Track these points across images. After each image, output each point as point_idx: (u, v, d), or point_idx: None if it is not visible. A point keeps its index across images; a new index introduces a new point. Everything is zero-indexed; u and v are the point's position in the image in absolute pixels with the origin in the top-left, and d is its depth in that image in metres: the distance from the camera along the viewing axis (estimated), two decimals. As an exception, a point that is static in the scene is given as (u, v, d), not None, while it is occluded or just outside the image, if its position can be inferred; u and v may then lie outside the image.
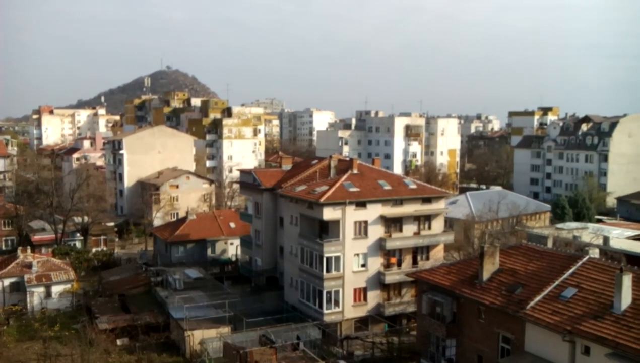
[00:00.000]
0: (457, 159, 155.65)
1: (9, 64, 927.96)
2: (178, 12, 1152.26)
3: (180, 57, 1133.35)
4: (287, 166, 70.39)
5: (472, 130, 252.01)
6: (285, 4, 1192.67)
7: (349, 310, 54.43)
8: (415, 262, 57.60)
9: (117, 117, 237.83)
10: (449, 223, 70.67)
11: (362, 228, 55.06)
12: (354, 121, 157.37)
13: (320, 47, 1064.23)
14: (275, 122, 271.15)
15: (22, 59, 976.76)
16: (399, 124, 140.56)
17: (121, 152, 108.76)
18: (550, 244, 46.19)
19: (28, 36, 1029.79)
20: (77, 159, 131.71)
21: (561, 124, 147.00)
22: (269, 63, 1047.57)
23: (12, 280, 62.47)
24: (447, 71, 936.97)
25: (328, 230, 55.20)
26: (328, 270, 53.10)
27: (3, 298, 61.46)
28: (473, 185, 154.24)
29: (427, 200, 58.74)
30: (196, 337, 49.25)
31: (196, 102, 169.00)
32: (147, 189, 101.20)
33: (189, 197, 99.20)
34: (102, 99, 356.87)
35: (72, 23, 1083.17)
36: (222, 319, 51.82)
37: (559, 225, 74.19)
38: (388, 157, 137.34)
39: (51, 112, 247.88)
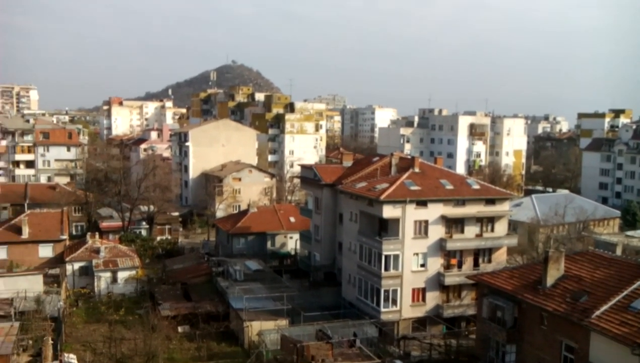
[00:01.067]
0: (523, 160, 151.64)
1: (83, 57, 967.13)
2: (245, 7, 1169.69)
3: (245, 52, 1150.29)
4: (347, 162, 70.42)
5: (540, 130, 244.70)
6: (351, 0, 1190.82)
7: (406, 309, 54.01)
8: (476, 264, 56.54)
9: (184, 110, 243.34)
10: (513, 226, 68.98)
11: (422, 228, 54.47)
12: (416, 119, 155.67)
13: (384, 43, 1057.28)
14: (337, 118, 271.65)
15: (95, 52, 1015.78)
16: (463, 123, 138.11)
17: (187, 144, 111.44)
18: (619, 252, 44.54)
19: (101, 31, 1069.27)
20: (145, 150, 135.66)
21: (634, 127, 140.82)
22: (333, 59, 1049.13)
23: (82, 264, 65.08)
24: (514, 70, 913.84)
25: (387, 228, 54.88)
26: (387, 269, 52.83)
27: (73, 281, 64.13)
28: (539, 187, 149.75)
29: (491, 201, 57.52)
30: (254, 327, 50.02)
31: (260, 96, 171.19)
32: (211, 181, 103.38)
33: (250, 190, 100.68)
34: (170, 91, 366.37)
35: (143, 18, 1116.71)
36: (280, 312, 52.41)
37: (629, 233, 71.21)
38: (451, 156, 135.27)
39: (120, 104, 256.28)
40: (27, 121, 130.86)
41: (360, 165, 67.62)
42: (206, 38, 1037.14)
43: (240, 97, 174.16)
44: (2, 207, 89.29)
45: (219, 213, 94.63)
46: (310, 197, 70.29)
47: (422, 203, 54.23)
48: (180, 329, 52.95)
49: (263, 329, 49.80)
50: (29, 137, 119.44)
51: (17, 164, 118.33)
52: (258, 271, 65.43)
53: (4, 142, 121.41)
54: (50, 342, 41.93)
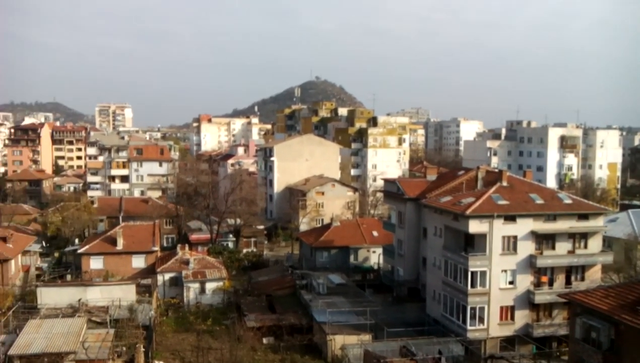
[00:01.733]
0: (618, 173, 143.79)
1: (173, 76, 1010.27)
2: (328, 23, 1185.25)
3: (328, 68, 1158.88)
4: (431, 176, 69.38)
5: (636, 142, 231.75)
6: (436, 13, 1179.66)
7: (494, 328, 52.27)
8: (568, 282, 53.97)
9: (269, 126, 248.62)
10: (608, 242, 65.39)
11: (510, 244, 52.68)
12: (503, 131, 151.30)
13: (469, 54, 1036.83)
14: (421, 131, 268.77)
15: (185, 72, 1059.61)
16: (553, 135, 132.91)
17: (272, 159, 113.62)
18: None
19: (191, 52, 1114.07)
20: (232, 165, 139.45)
21: None
22: (416, 72, 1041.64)
23: (172, 275, 67.47)
24: (607, 80, 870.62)
25: (474, 243, 53.47)
26: (473, 285, 51.42)
27: (163, 291, 66.56)
28: (636, 202, 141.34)
29: (584, 216, 54.85)
30: (337, 341, 49.97)
31: (343, 111, 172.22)
32: (295, 195, 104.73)
33: (333, 204, 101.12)
34: (256, 108, 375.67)
35: (230, 37, 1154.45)
36: (363, 326, 52.11)
37: None
38: (540, 169, 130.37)
39: (209, 121, 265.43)
40: (122, 138, 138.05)
41: (445, 179, 66.44)
42: (290, 55, 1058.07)
43: (324, 112, 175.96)
44: (100, 219, 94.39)
45: (303, 227, 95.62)
46: (393, 211, 69.74)
47: (510, 218, 52.50)
48: (265, 340, 53.68)
49: (346, 343, 49.65)
50: (123, 153, 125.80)
51: (112, 178, 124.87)
52: (341, 285, 65.48)
53: (101, 158, 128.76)
54: (142, 349, 43.71)
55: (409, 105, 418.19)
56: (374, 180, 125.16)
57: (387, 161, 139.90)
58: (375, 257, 78.21)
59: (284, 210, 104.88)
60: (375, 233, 79.64)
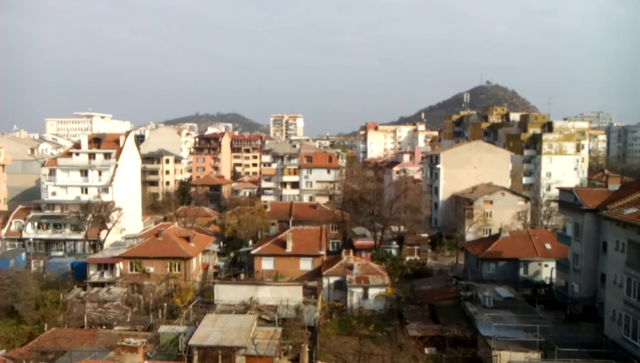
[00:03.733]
0: None
1: (342, 86, 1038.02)
2: (500, 26, 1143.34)
3: (500, 72, 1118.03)
4: (613, 186, 63.64)
5: None
6: (621, 9, 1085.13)
7: (686, 356, 46.51)
8: None
9: (435, 133, 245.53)
10: None
11: None
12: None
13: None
14: (602, 137, 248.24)
15: (354, 80, 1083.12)
16: None
17: (438, 166, 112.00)
18: None
19: (358, 59, 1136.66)
20: (397, 172, 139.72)
21: None
22: (596, 74, 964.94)
23: (336, 278, 69.13)
24: None
25: (663, 260, 48.08)
26: (661, 307, 46.24)
27: (328, 293, 68.43)
28: None
29: None
30: (503, 357, 47.70)
31: (515, 116, 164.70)
32: (461, 203, 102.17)
33: (502, 214, 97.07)
34: (422, 115, 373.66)
35: (397, 45, 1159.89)
36: (532, 344, 49.17)
37: None
38: None
39: (376, 128, 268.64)
40: (294, 146, 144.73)
41: (630, 188, 60.51)
42: (459, 60, 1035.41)
43: (494, 118, 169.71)
44: (271, 223, 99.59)
45: (469, 237, 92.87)
46: (569, 223, 65.06)
47: None
48: (426, 350, 52.85)
49: (512, 360, 47.24)
50: (295, 161, 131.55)
51: (284, 184, 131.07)
52: (509, 299, 62.49)
53: (274, 165, 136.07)
54: (307, 349, 45.23)
55: (588, 109, 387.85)
56: (548, 189, 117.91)
57: (562, 169, 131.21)
58: (547, 272, 73.55)
59: (449, 219, 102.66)
60: (548, 245, 75.01)
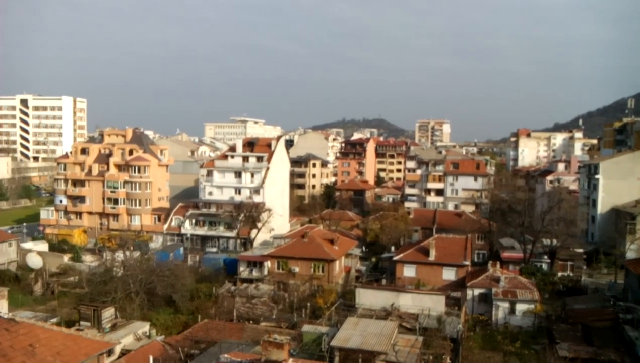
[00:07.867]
0: None
1: (492, 91, 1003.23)
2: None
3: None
4: None
5: None
6: None
7: None
8: None
9: (594, 141, 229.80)
10: None
11: None
12: None
13: None
14: None
15: (504, 85, 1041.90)
16: None
17: (596, 176, 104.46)
18: None
19: (510, 63, 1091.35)
20: (551, 182, 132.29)
21: None
22: None
23: (481, 291, 66.93)
24: None
25: None
26: None
27: (472, 306, 66.40)
28: None
29: None
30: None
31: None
32: (622, 218, 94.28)
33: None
34: (580, 121, 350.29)
35: (552, 47, 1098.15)
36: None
37: None
38: None
39: (528, 135, 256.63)
40: (440, 152, 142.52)
41: None
42: (622, 62, 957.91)
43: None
44: (414, 230, 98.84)
45: (630, 254, 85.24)
46: None
47: None
48: (579, 374, 49.45)
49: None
50: (440, 167, 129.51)
51: (428, 191, 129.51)
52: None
53: (419, 171, 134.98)
54: (449, 361, 44.24)
55: None
56: None
57: None
58: None
59: (608, 234, 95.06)
60: None
